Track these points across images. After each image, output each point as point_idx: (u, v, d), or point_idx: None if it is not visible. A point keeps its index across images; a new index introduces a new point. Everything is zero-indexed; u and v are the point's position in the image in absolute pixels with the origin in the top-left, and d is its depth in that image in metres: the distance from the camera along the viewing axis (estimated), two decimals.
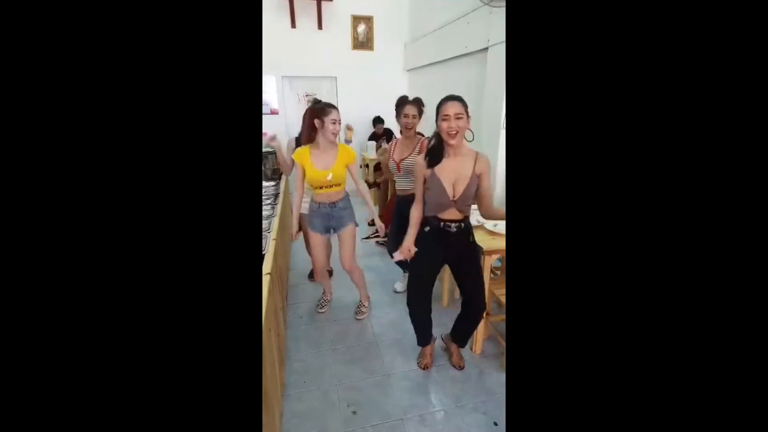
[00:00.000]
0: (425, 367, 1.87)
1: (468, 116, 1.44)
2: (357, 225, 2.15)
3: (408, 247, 1.61)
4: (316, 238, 2.12)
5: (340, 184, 2.01)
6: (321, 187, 1.98)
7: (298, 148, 2.02)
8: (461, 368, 1.87)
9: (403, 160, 2.18)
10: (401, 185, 2.26)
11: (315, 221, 2.10)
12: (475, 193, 1.53)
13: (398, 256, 1.63)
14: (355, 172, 2.05)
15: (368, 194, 2.11)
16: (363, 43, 4.84)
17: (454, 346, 1.91)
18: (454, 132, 1.41)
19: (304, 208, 2.54)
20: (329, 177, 1.93)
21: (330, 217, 2.07)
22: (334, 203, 2.04)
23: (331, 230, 2.12)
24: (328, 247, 2.22)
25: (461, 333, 1.84)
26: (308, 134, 2.42)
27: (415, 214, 1.66)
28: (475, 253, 1.67)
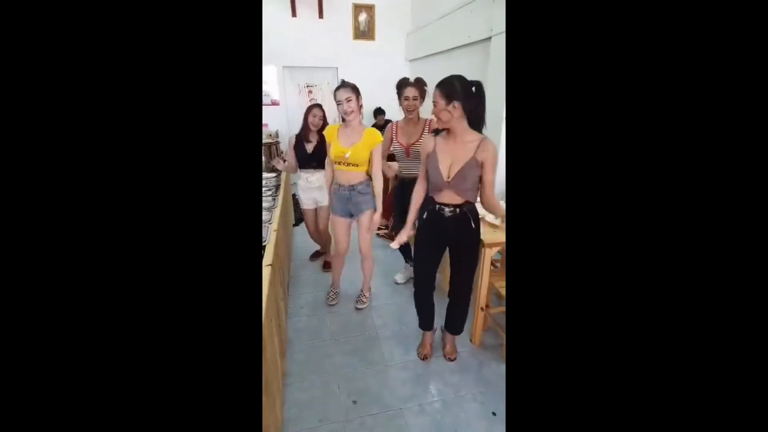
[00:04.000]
0: (424, 358, 1.89)
1: (450, 101, 1.43)
2: (376, 211, 2.13)
3: (406, 233, 1.67)
4: (338, 222, 2.15)
5: (358, 165, 1.99)
6: (339, 163, 2.00)
7: (330, 125, 2.07)
8: (452, 360, 1.89)
9: (412, 144, 2.16)
10: (407, 169, 2.25)
11: (336, 205, 2.13)
12: (477, 180, 1.52)
13: (394, 245, 1.69)
14: (377, 156, 2.00)
15: (380, 182, 2.07)
16: (364, 32, 4.78)
17: (448, 337, 1.92)
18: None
19: (308, 199, 2.57)
20: (347, 155, 1.95)
21: (348, 200, 2.08)
22: (353, 186, 2.04)
23: (352, 215, 2.14)
24: (350, 231, 2.23)
25: (452, 321, 1.87)
26: (306, 131, 2.45)
27: (417, 194, 1.68)
28: (471, 242, 1.64)
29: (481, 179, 1.52)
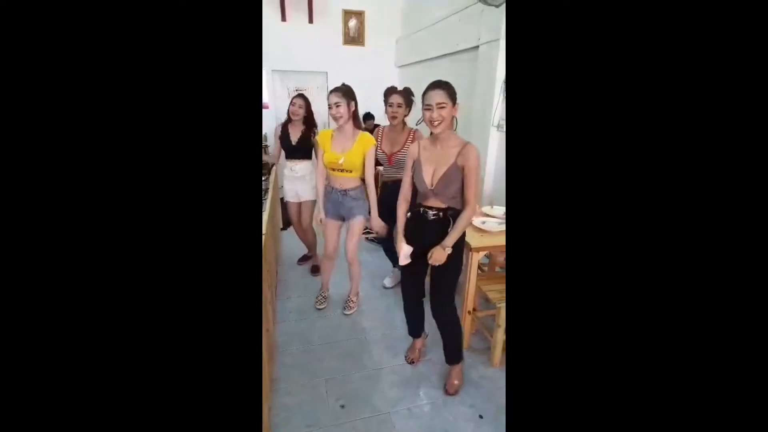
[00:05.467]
0: (412, 362, 1.90)
1: (453, 103, 1.41)
2: (367, 218, 2.16)
3: (402, 243, 1.63)
4: (330, 224, 2.16)
5: (352, 171, 2.01)
6: (333, 170, 2.01)
7: (323, 130, 2.06)
8: (450, 394, 1.71)
9: (394, 153, 2.19)
10: (389, 174, 2.29)
11: (328, 206, 2.14)
12: (461, 186, 1.49)
13: (402, 261, 1.64)
14: (369, 161, 2.00)
15: (373, 187, 2.07)
16: (354, 38, 4.81)
17: (450, 369, 1.77)
18: (437, 123, 1.41)
19: (291, 191, 2.58)
20: (341, 161, 1.96)
21: (341, 205, 2.09)
22: (345, 191, 2.06)
23: (343, 218, 2.15)
24: (339, 233, 2.23)
25: (445, 349, 1.74)
26: (288, 121, 2.48)
27: (400, 207, 1.67)
28: (453, 255, 1.53)
29: (463, 183, 1.48)
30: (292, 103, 2.43)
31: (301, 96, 2.45)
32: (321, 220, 2.17)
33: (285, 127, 2.51)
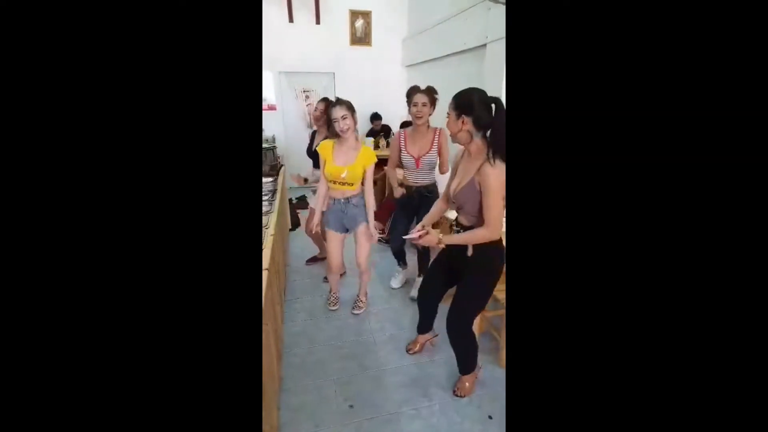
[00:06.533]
0: (409, 350, 1.94)
1: (457, 116, 1.36)
2: (368, 223, 2.15)
3: (420, 231, 1.54)
4: (333, 237, 2.14)
5: (353, 185, 2.01)
6: (335, 182, 2.01)
7: (324, 141, 2.05)
8: (460, 396, 1.70)
9: (422, 156, 2.15)
10: (414, 179, 2.23)
11: (330, 218, 2.12)
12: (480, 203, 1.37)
13: (414, 236, 1.53)
14: (369, 178, 2.02)
15: (372, 197, 2.06)
16: (361, 38, 4.82)
17: (462, 377, 1.74)
18: (458, 137, 1.40)
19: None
20: (344, 174, 1.96)
21: (344, 213, 2.08)
22: (348, 199, 2.06)
23: (347, 229, 2.14)
24: (343, 246, 2.23)
25: (459, 363, 1.70)
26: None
27: (435, 206, 1.68)
28: (471, 274, 1.47)
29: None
30: (315, 109, 2.40)
31: (325, 100, 2.41)
32: (313, 230, 2.16)
33: (313, 134, 2.51)
